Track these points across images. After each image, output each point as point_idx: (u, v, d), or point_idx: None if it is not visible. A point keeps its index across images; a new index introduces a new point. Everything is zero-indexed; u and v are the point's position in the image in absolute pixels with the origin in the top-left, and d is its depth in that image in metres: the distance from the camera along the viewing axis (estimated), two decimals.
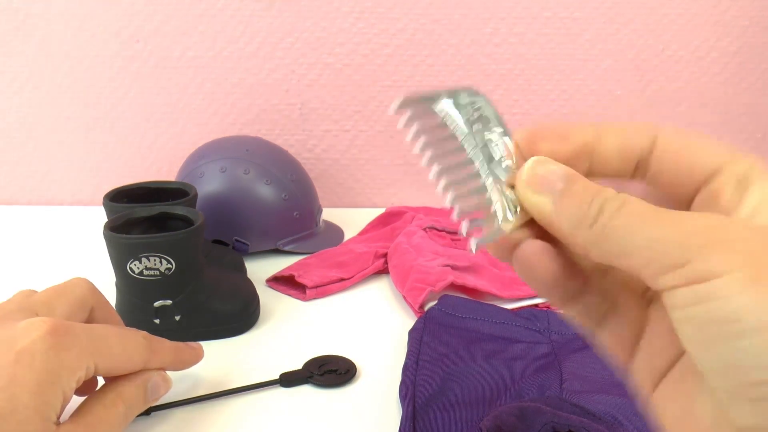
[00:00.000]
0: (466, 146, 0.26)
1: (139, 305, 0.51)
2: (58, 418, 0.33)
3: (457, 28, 0.82)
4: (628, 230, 0.21)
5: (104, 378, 0.39)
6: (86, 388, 0.39)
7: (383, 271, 0.67)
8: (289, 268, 0.64)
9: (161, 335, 0.51)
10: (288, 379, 0.47)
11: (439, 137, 0.26)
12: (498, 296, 0.58)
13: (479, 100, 0.27)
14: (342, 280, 0.63)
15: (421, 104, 0.26)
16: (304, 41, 0.81)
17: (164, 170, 0.87)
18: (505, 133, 0.27)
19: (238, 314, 0.54)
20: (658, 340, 0.23)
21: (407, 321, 0.56)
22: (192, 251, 0.51)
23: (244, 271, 0.64)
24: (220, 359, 0.50)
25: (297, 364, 0.49)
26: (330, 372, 0.48)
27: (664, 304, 0.20)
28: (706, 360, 0.19)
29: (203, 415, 0.43)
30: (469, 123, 0.27)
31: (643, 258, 0.20)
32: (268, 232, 0.69)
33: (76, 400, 0.36)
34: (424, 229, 0.70)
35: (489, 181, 0.25)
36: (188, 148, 0.86)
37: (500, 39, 0.83)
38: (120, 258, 0.49)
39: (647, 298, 0.24)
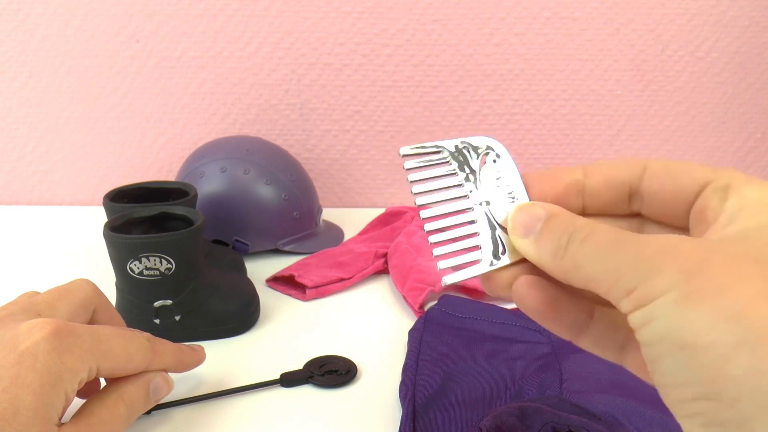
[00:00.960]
0: (467, 194, 0.27)
1: (139, 305, 0.51)
2: (60, 419, 0.33)
3: (457, 28, 0.82)
4: (592, 258, 0.22)
5: (106, 380, 0.39)
6: (89, 389, 0.39)
7: (383, 271, 0.67)
8: (289, 268, 0.64)
9: (161, 335, 0.51)
10: (288, 379, 0.47)
11: (448, 184, 0.28)
12: None
13: (496, 152, 0.28)
14: (342, 280, 0.63)
15: (432, 153, 0.28)
16: (304, 41, 0.81)
17: (164, 170, 0.87)
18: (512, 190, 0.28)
19: (238, 314, 0.54)
20: None
21: (407, 321, 0.56)
22: (192, 251, 0.51)
23: (244, 271, 0.64)
24: (220, 359, 0.50)
25: (297, 364, 0.49)
26: (331, 372, 0.48)
27: None
28: (655, 381, 0.20)
29: (204, 414, 0.43)
30: (475, 173, 0.28)
31: (607, 284, 0.21)
32: (268, 232, 0.69)
33: (78, 402, 0.37)
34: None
35: (482, 227, 0.27)
36: (188, 148, 0.86)
37: (500, 39, 0.83)
38: (120, 258, 0.49)
39: None
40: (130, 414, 0.37)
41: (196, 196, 0.60)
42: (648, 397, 0.43)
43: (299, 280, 0.61)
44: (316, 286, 0.61)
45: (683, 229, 0.25)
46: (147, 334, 0.40)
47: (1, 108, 0.83)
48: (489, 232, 0.27)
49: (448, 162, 0.28)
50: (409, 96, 0.85)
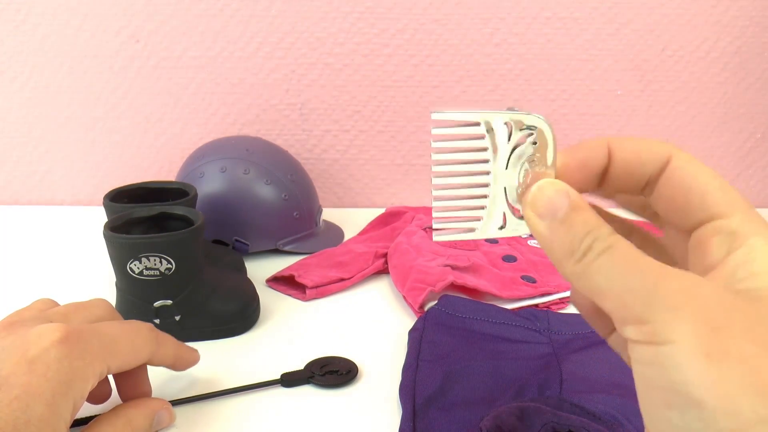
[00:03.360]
0: (489, 170, 0.27)
1: (139, 305, 0.51)
2: (69, 427, 0.33)
3: (457, 28, 0.82)
4: (607, 274, 0.21)
5: (115, 379, 0.40)
6: (98, 393, 0.40)
7: (383, 271, 0.67)
8: (289, 268, 0.64)
9: None
10: (289, 379, 0.47)
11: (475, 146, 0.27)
12: (498, 296, 0.58)
13: (534, 121, 0.27)
14: (342, 280, 0.63)
15: (455, 122, 0.27)
16: (304, 41, 0.81)
17: (164, 170, 0.87)
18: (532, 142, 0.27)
19: (238, 314, 0.54)
20: None
21: (407, 321, 0.56)
22: (192, 251, 0.51)
23: (244, 271, 0.64)
24: (220, 359, 0.50)
25: (297, 365, 0.49)
26: (331, 372, 0.48)
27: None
28: (648, 420, 0.20)
29: (204, 414, 0.43)
30: (509, 140, 0.27)
31: (615, 304, 0.21)
32: (268, 232, 0.69)
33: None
34: (424, 229, 0.70)
35: (495, 192, 0.27)
36: (188, 148, 0.86)
37: (500, 39, 0.83)
38: (120, 258, 0.49)
39: None
40: None
41: (196, 196, 0.60)
42: None
43: (299, 280, 0.61)
44: (316, 286, 0.61)
45: (680, 232, 0.25)
46: (149, 325, 0.40)
47: (1, 108, 0.83)
48: (498, 207, 0.27)
49: (481, 136, 0.26)
50: (409, 96, 0.85)
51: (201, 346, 0.52)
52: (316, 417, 0.43)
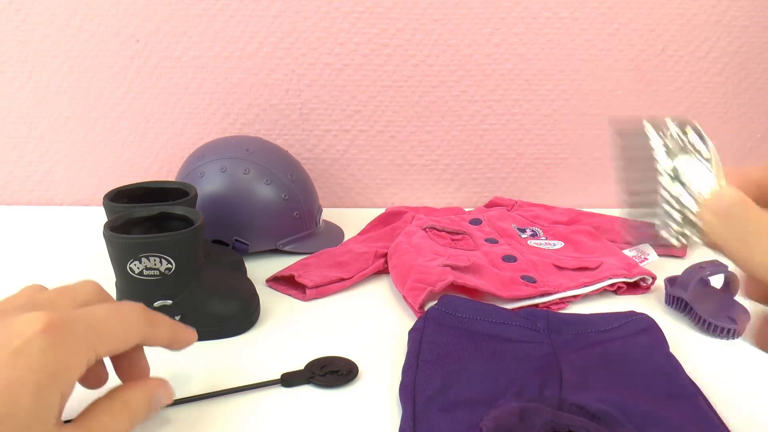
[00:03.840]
0: (659, 169, 0.30)
1: None
2: (59, 416, 0.32)
3: (457, 28, 0.82)
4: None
5: (114, 365, 0.39)
6: (92, 375, 0.38)
7: (383, 271, 0.67)
8: (289, 268, 0.64)
9: None
10: (289, 379, 0.47)
11: (639, 158, 0.30)
12: (498, 296, 0.58)
13: (687, 128, 0.31)
14: (342, 280, 0.63)
15: (631, 129, 0.31)
16: (304, 41, 0.81)
17: (164, 170, 0.87)
18: (704, 157, 0.30)
19: (238, 314, 0.54)
20: None
21: (407, 321, 0.56)
22: (192, 251, 0.51)
23: (244, 271, 0.64)
24: (221, 359, 0.50)
25: (297, 365, 0.49)
26: (332, 372, 0.48)
27: None
28: None
29: (204, 414, 0.43)
30: (669, 147, 0.30)
31: None
32: (268, 232, 0.69)
33: (82, 392, 0.36)
34: (424, 229, 0.70)
35: (669, 199, 0.30)
36: (188, 148, 0.86)
37: (500, 39, 0.83)
38: (120, 258, 0.49)
39: None
40: (131, 422, 0.37)
41: (196, 196, 0.60)
42: (648, 397, 0.43)
43: (299, 280, 0.61)
44: (316, 286, 0.61)
45: None
46: (141, 305, 0.38)
47: (1, 108, 0.83)
48: (672, 211, 0.29)
49: (654, 147, 0.30)
50: (409, 96, 0.85)
51: (201, 346, 0.52)
52: (316, 417, 0.43)
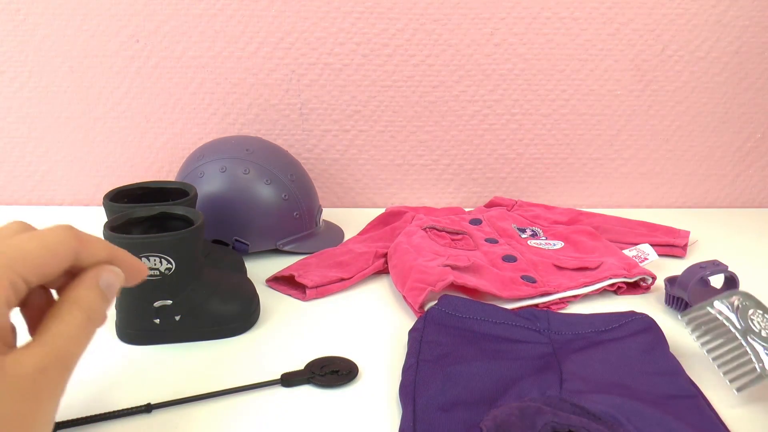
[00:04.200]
0: (731, 327, 0.43)
1: (139, 305, 0.51)
2: (8, 345, 0.30)
3: (457, 28, 0.82)
4: None
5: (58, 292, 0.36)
6: (37, 305, 0.35)
7: (383, 271, 0.67)
8: (289, 268, 0.64)
9: (161, 335, 0.52)
10: (289, 379, 0.47)
11: (713, 326, 0.45)
12: (498, 296, 0.58)
13: (742, 296, 0.45)
14: (342, 280, 0.63)
15: (699, 310, 0.45)
16: (304, 41, 0.82)
17: (164, 170, 0.87)
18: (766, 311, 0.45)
19: (238, 314, 0.54)
20: None
21: (407, 321, 0.56)
22: (192, 251, 0.51)
23: (244, 271, 0.64)
24: (220, 359, 0.50)
25: (297, 365, 0.49)
26: (332, 372, 0.48)
27: None
28: None
29: (204, 414, 0.43)
30: (735, 311, 0.44)
31: None
32: (268, 232, 0.69)
33: None
34: (424, 229, 0.70)
35: (749, 346, 0.42)
36: (188, 148, 0.86)
37: (500, 39, 0.83)
38: None
39: None
40: (90, 318, 0.34)
41: (196, 196, 0.60)
42: (648, 397, 0.43)
43: (299, 280, 0.61)
44: (316, 286, 0.61)
45: None
46: (66, 225, 0.35)
47: (1, 108, 0.83)
48: (754, 350, 0.42)
49: (715, 318, 0.45)
50: (409, 96, 0.85)
51: (201, 346, 0.52)
52: (316, 417, 0.43)
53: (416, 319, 0.54)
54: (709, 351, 0.44)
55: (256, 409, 0.44)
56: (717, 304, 0.45)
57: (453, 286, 0.59)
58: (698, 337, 0.45)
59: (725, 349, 0.43)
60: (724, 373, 0.43)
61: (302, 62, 0.82)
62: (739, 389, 0.42)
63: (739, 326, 0.43)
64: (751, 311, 0.43)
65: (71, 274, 0.35)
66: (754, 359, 0.41)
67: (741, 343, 0.42)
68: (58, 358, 0.31)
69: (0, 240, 0.33)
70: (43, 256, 0.33)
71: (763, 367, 0.41)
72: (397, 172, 0.89)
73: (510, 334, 0.51)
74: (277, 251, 0.70)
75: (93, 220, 0.80)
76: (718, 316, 0.44)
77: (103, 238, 0.49)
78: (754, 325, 0.42)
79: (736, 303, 0.43)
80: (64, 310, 0.33)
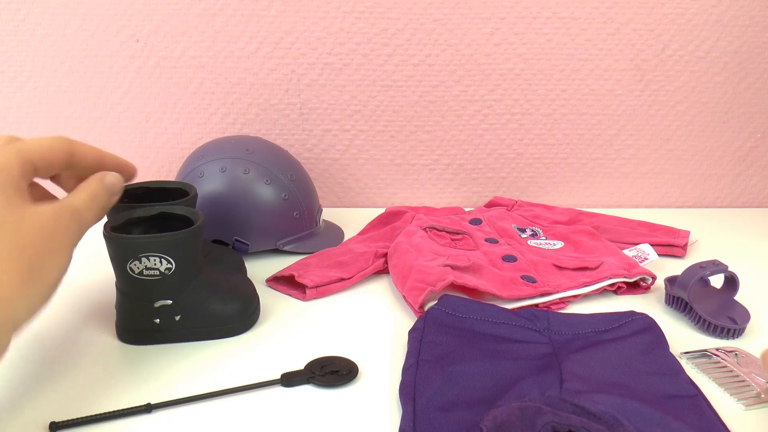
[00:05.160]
0: (732, 368, 0.50)
1: (139, 305, 0.51)
2: (24, 197, 0.37)
3: (457, 28, 0.82)
4: None
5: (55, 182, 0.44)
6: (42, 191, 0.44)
7: (383, 271, 0.67)
8: (289, 268, 0.64)
9: (161, 335, 0.52)
10: (289, 379, 0.47)
11: (720, 368, 0.50)
12: (498, 296, 0.58)
13: (739, 353, 0.52)
14: (342, 280, 0.63)
15: (707, 359, 0.51)
16: (304, 41, 0.82)
17: (164, 170, 0.87)
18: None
19: (238, 314, 0.54)
20: None
21: (407, 321, 0.56)
22: (192, 251, 0.51)
23: (244, 271, 0.64)
24: (220, 359, 0.50)
25: (297, 365, 0.49)
26: (332, 372, 0.48)
27: None
28: None
29: (204, 414, 0.43)
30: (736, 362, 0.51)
31: None
32: (268, 232, 0.69)
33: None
34: (424, 229, 0.70)
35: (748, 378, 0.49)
36: (188, 148, 0.86)
37: (500, 39, 0.83)
38: (120, 258, 0.49)
39: None
40: (95, 194, 0.41)
41: (196, 196, 0.60)
42: (648, 397, 0.43)
43: (299, 280, 0.61)
44: (316, 286, 0.61)
45: None
46: (60, 135, 0.42)
47: (1, 108, 0.83)
48: (754, 386, 0.47)
49: (722, 362, 0.51)
50: (409, 96, 0.85)
51: (201, 346, 0.52)
52: (316, 417, 0.43)
53: (416, 319, 0.54)
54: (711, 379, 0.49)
55: (256, 409, 0.44)
56: (722, 357, 0.51)
57: (453, 286, 0.59)
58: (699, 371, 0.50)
59: (725, 377, 0.49)
60: (731, 394, 0.47)
61: (302, 62, 0.82)
62: (747, 407, 0.46)
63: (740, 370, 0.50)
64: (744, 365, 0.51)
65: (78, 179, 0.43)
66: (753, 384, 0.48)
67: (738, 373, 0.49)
68: (69, 208, 0.39)
69: (3, 144, 0.39)
70: (44, 150, 0.39)
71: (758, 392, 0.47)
72: (397, 172, 0.89)
73: (510, 334, 0.51)
74: (277, 251, 0.70)
75: None
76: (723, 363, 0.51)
77: (103, 238, 0.49)
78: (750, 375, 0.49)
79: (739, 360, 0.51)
80: (66, 218, 0.39)
